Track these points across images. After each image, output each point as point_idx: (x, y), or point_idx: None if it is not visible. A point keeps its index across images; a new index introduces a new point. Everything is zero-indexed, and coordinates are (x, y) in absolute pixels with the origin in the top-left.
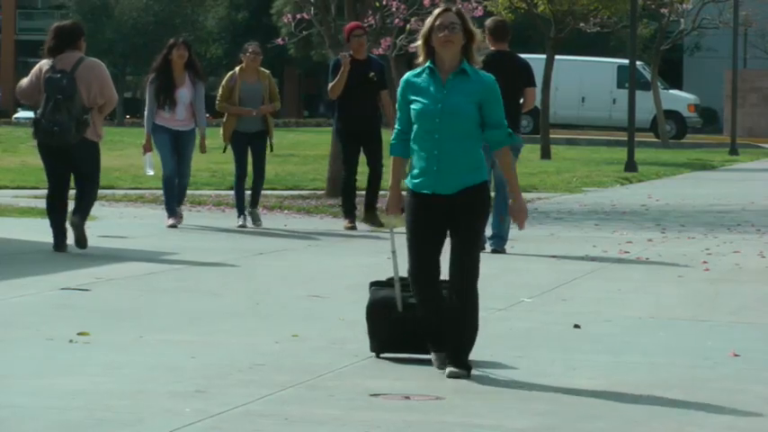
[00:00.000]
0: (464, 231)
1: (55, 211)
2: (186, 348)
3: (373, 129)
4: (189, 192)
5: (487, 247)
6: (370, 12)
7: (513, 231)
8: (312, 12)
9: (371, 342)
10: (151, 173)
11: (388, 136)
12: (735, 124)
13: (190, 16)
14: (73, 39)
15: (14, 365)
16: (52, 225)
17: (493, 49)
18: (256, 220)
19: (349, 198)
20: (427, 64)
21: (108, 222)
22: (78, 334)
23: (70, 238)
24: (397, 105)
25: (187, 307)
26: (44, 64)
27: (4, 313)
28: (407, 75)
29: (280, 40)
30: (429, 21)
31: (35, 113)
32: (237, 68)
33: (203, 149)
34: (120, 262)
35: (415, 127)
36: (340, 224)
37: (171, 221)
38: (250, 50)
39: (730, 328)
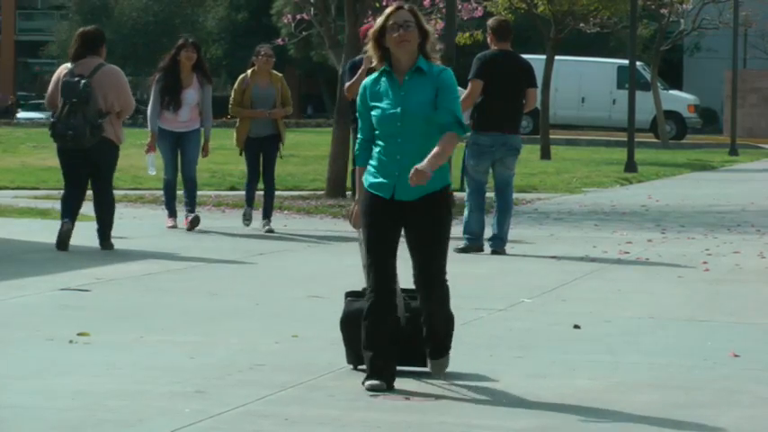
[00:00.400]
0: (427, 242)
1: (68, 215)
2: (186, 349)
3: None
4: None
5: (487, 247)
6: (370, 12)
7: (513, 232)
8: (312, 12)
9: (348, 354)
10: (153, 173)
11: None
12: (735, 125)
13: (189, 17)
14: (95, 45)
15: (14, 366)
16: (62, 224)
17: (495, 48)
18: (269, 231)
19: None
20: (384, 67)
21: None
22: (78, 334)
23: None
24: (357, 113)
25: (187, 307)
26: (63, 69)
27: (4, 314)
28: (365, 81)
29: (280, 41)
30: (380, 21)
31: (52, 117)
32: (249, 71)
33: (206, 152)
34: (119, 262)
35: (377, 132)
36: (340, 225)
37: (171, 222)
38: (262, 53)
39: (730, 328)
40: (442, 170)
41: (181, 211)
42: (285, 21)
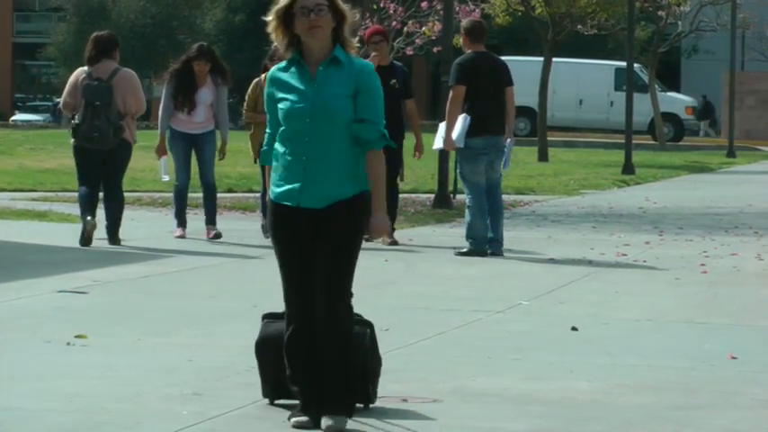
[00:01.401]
0: (333, 254)
1: (90, 211)
2: (183, 351)
3: (394, 141)
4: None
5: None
6: (368, 14)
7: (511, 234)
8: None
9: (263, 387)
10: (166, 178)
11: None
12: (732, 127)
13: (187, 18)
14: (109, 49)
15: (12, 368)
16: (83, 220)
17: (470, 51)
18: None
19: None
20: (293, 55)
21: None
22: (76, 337)
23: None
24: (265, 106)
25: (184, 309)
26: (80, 73)
27: (2, 316)
28: (272, 69)
29: (275, 46)
30: (285, 1)
31: (73, 118)
32: (263, 75)
33: (223, 155)
34: (117, 265)
35: (281, 128)
36: None
37: (180, 232)
38: (277, 57)
39: (728, 330)
40: (355, 174)
41: (194, 220)
42: None
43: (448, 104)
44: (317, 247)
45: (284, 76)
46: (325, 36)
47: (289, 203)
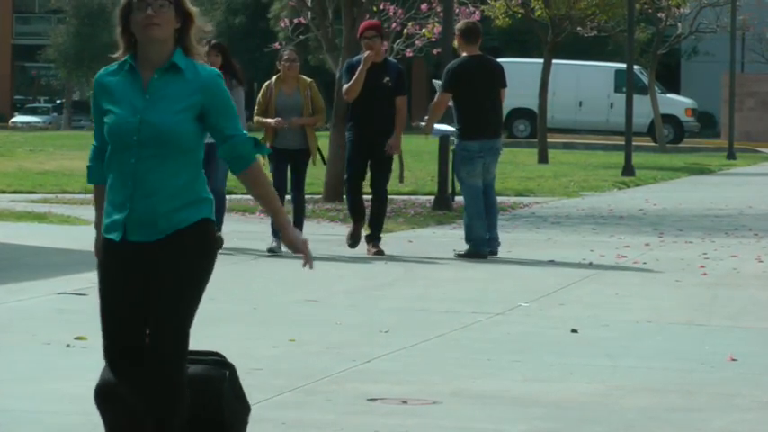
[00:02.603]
0: (167, 294)
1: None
2: None
3: (384, 141)
4: None
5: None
6: (367, 16)
7: (510, 236)
8: (309, 16)
9: None
10: None
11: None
12: (732, 128)
13: None
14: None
15: (11, 370)
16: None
17: (464, 54)
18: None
19: (357, 203)
20: (126, 58)
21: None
22: (75, 338)
23: None
24: (91, 114)
25: None
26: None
27: (1, 318)
28: (100, 73)
29: (277, 45)
30: None
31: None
32: (275, 78)
33: None
34: None
35: (109, 147)
36: (337, 229)
37: None
38: (285, 57)
39: (728, 332)
40: (197, 200)
41: None
42: (282, 25)
43: (431, 105)
44: (150, 286)
45: (112, 82)
46: (164, 38)
47: (113, 237)
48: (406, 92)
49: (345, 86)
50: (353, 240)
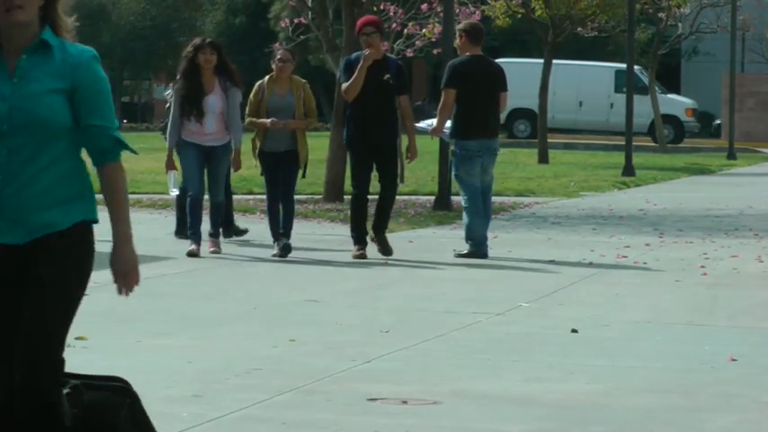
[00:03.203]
0: (40, 302)
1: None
2: (183, 353)
3: (390, 143)
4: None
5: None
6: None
7: (510, 236)
8: (309, 16)
9: None
10: (175, 192)
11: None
12: (732, 129)
13: (187, 21)
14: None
15: None
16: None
17: (467, 54)
18: (285, 251)
19: (360, 222)
20: None
21: (105, 227)
22: (76, 338)
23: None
24: None
25: (184, 311)
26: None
27: None
28: None
29: (277, 45)
30: None
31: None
32: (267, 77)
33: (237, 167)
34: None
35: None
36: (338, 229)
37: (193, 248)
38: (278, 57)
39: (728, 332)
40: (77, 195)
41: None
42: (283, 25)
43: (439, 107)
44: (23, 295)
45: None
46: (28, 18)
47: None
48: (408, 90)
49: (345, 85)
50: (364, 254)
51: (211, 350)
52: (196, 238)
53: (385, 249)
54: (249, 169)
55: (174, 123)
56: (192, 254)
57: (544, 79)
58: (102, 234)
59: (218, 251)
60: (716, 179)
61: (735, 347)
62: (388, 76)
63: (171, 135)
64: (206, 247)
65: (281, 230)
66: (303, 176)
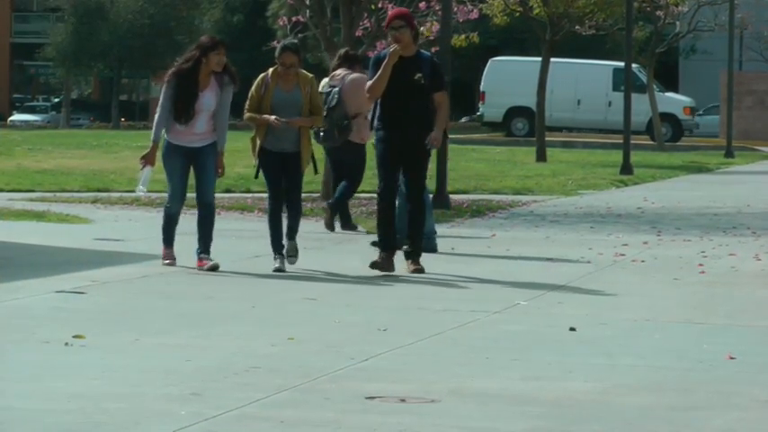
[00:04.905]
0: None
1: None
2: (182, 351)
3: (417, 147)
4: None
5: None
6: (366, 15)
7: (512, 233)
8: (308, 14)
9: None
10: (143, 190)
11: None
12: (730, 127)
13: (185, 19)
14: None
15: (10, 369)
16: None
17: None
18: (291, 254)
19: (389, 228)
20: None
21: (103, 225)
22: (74, 337)
23: None
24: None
25: (183, 310)
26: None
27: (0, 316)
28: None
29: (275, 43)
30: None
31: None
32: (271, 70)
33: (219, 171)
34: (115, 265)
35: None
36: (336, 228)
37: (169, 260)
38: (284, 62)
39: (726, 330)
40: None
41: (179, 243)
42: (281, 23)
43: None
44: None
45: None
46: None
47: None
48: (446, 86)
49: (368, 83)
50: (386, 268)
51: (210, 348)
52: (170, 246)
53: (418, 269)
54: (248, 167)
55: (162, 118)
56: (169, 263)
57: (542, 77)
58: (103, 234)
59: (216, 267)
60: (714, 177)
61: (733, 345)
62: (419, 75)
63: (158, 129)
64: (199, 264)
65: (285, 232)
66: (315, 172)
